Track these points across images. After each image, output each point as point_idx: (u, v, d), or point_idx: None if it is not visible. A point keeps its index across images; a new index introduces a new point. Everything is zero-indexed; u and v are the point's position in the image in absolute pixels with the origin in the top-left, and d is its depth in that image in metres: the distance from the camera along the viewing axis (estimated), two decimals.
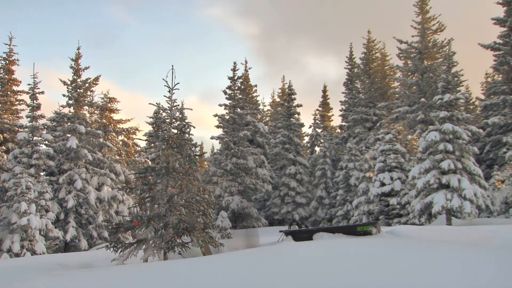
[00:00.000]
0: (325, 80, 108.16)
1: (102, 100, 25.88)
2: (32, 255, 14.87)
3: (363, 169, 24.59)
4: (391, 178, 20.93)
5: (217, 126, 31.52)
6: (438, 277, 3.13)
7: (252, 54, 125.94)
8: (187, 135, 29.74)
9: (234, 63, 32.15)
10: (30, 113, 19.31)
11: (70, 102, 20.85)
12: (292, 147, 32.31)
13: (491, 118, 26.26)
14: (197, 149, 44.01)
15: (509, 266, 3.73)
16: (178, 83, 6.74)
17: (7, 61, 23.50)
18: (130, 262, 6.13)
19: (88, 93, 21.84)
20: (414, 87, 29.88)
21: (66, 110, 21.45)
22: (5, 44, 23.74)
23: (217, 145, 77.01)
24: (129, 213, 19.16)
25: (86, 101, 21.83)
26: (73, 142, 19.01)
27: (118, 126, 27.20)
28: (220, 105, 31.87)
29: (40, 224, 15.68)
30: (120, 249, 6.47)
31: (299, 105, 33.12)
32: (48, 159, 19.06)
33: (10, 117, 22.77)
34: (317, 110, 41.73)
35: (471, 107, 33.98)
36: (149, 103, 6.42)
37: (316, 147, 37.82)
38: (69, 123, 20.57)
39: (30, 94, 19.58)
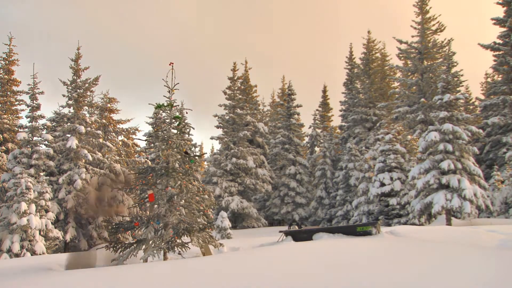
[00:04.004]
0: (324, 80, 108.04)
1: (102, 100, 25.89)
2: (32, 255, 14.85)
3: (363, 169, 24.60)
4: (391, 178, 20.94)
5: (217, 127, 31.56)
6: (437, 277, 3.13)
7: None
8: (186, 135, 29.80)
9: (234, 63, 32.21)
10: (30, 113, 19.33)
11: (70, 102, 20.86)
12: (292, 147, 32.33)
13: (491, 118, 26.28)
14: (197, 149, 44.06)
15: (509, 266, 3.73)
16: (178, 83, 6.75)
17: (7, 61, 23.54)
18: (130, 262, 6.14)
19: (88, 93, 21.85)
20: (414, 87, 29.91)
21: (66, 110, 21.48)
22: (5, 44, 23.78)
23: (217, 146, 76.97)
24: (129, 213, 19.16)
25: (86, 101, 21.84)
26: (73, 142, 19.01)
27: (118, 126, 27.20)
28: (220, 105, 31.91)
29: (40, 224, 15.66)
30: (120, 249, 6.48)
31: (299, 105, 33.14)
32: (48, 159, 19.06)
33: (10, 117, 22.79)
34: (317, 110, 41.75)
35: (471, 107, 33.99)
36: (149, 103, 6.45)
37: (316, 147, 37.81)
38: (69, 123, 20.57)
39: (29, 95, 19.59)
